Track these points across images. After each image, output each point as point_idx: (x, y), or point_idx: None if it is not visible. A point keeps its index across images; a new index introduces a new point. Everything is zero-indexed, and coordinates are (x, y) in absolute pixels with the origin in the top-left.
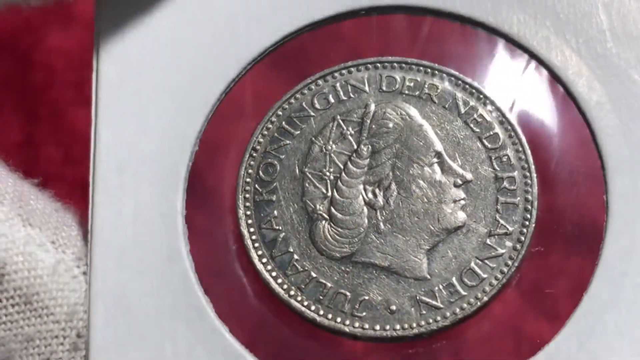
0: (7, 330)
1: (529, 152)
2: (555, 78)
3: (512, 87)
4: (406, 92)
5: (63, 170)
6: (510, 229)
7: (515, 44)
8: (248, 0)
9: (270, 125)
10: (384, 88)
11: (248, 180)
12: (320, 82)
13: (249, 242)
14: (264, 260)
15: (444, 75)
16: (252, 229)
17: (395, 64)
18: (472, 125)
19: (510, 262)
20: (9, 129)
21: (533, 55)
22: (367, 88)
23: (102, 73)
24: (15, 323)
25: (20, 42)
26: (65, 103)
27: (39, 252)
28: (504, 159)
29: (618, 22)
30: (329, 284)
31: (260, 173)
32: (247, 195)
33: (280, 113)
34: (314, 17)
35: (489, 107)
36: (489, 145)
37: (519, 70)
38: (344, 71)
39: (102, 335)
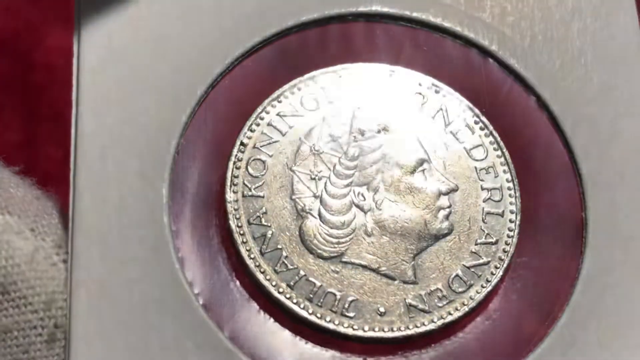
0: None
1: (512, 164)
2: (535, 96)
3: (497, 102)
4: (395, 98)
5: (63, 170)
6: (495, 238)
7: (499, 62)
8: None
9: (260, 121)
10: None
11: (237, 174)
12: (309, 82)
13: (237, 237)
14: (253, 255)
15: (431, 85)
16: (240, 223)
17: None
18: (457, 136)
19: (495, 271)
20: (9, 129)
21: (514, 73)
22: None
23: (83, 58)
24: None
25: (20, 42)
26: (65, 103)
27: (16, 240)
28: (489, 170)
29: (593, 47)
30: (318, 283)
31: (249, 168)
32: (236, 190)
33: (269, 110)
34: (301, 18)
35: (475, 120)
36: (474, 156)
37: (504, 87)
38: (332, 73)
39: (83, 325)
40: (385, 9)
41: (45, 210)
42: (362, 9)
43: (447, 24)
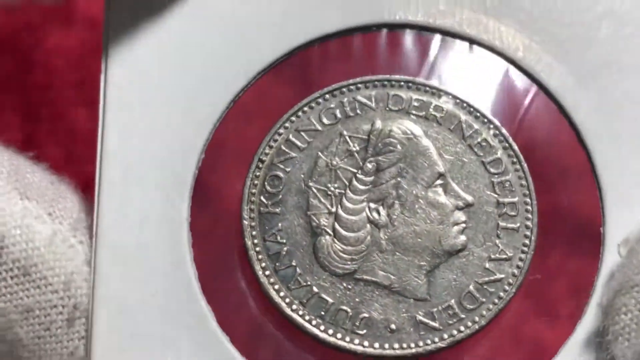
0: (7, 301)
1: (530, 178)
2: (558, 106)
3: (516, 112)
4: (413, 112)
5: (63, 170)
6: (510, 254)
7: (521, 69)
8: (260, 9)
9: (278, 137)
10: (391, 107)
11: (254, 191)
12: (328, 96)
13: (252, 254)
14: (267, 272)
15: (450, 97)
16: (256, 241)
17: (402, 83)
18: (475, 149)
19: (508, 288)
20: (9, 129)
21: (537, 82)
22: (374, 105)
23: (110, 76)
24: (14, 294)
25: (20, 42)
26: (65, 103)
27: (35, 224)
28: (506, 184)
29: (622, 54)
30: (330, 300)
31: (266, 185)
32: (253, 207)
33: (287, 125)
34: (324, 29)
35: (493, 132)
36: (492, 170)
37: (523, 96)
38: (352, 87)
39: (104, 342)
40: (409, 18)
41: (61, 194)
42: (385, 18)
43: (471, 32)
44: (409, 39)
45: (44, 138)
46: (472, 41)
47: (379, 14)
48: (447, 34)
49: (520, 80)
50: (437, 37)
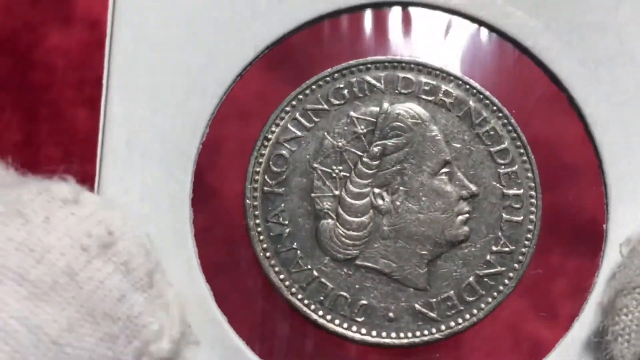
0: None
1: (537, 171)
2: (567, 97)
3: (525, 102)
4: (422, 96)
5: (63, 170)
6: (512, 247)
7: (532, 57)
8: None
9: (284, 115)
10: (400, 89)
11: (258, 169)
12: (337, 75)
13: (254, 234)
14: (268, 254)
15: (460, 82)
16: (258, 221)
17: (412, 66)
18: (483, 138)
19: (507, 282)
20: (9, 129)
21: (548, 70)
22: (383, 87)
23: (116, 43)
24: None
25: (20, 42)
26: (65, 103)
27: None
28: (512, 175)
29: (638, 42)
30: (330, 285)
31: (271, 164)
32: (256, 186)
33: (294, 103)
34: (336, 4)
35: (502, 121)
36: (499, 160)
37: (533, 85)
38: (361, 67)
39: None
40: None
41: None
42: None
43: (484, 16)
44: (420, 18)
45: (44, 138)
46: (484, 25)
47: None
48: (459, 15)
49: (531, 69)
50: (449, 19)
